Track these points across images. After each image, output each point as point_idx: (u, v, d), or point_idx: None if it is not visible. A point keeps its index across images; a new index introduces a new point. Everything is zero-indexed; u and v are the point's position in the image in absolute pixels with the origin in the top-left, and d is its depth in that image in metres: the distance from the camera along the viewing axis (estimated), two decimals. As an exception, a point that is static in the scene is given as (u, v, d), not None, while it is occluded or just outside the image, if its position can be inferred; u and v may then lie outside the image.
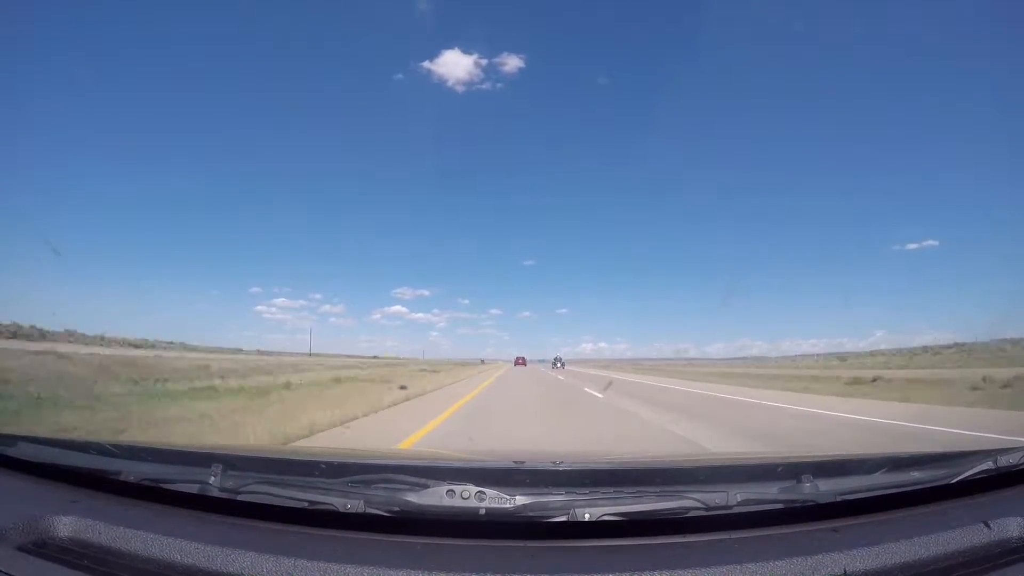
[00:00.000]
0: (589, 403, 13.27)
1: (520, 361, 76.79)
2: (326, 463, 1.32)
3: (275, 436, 6.05)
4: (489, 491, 1.05)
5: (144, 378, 15.54)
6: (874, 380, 18.21)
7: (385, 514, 1.06)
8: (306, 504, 1.09)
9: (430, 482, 1.09)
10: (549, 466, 1.37)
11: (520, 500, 1.05)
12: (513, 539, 1.04)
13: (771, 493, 1.13)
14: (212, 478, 1.15)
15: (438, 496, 1.06)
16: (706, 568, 0.92)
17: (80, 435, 5.25)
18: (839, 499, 1.13)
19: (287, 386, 15.89)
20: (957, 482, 1.22)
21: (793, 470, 1.20)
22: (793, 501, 1.12)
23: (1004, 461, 1.26)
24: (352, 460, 1.51)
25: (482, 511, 1.04)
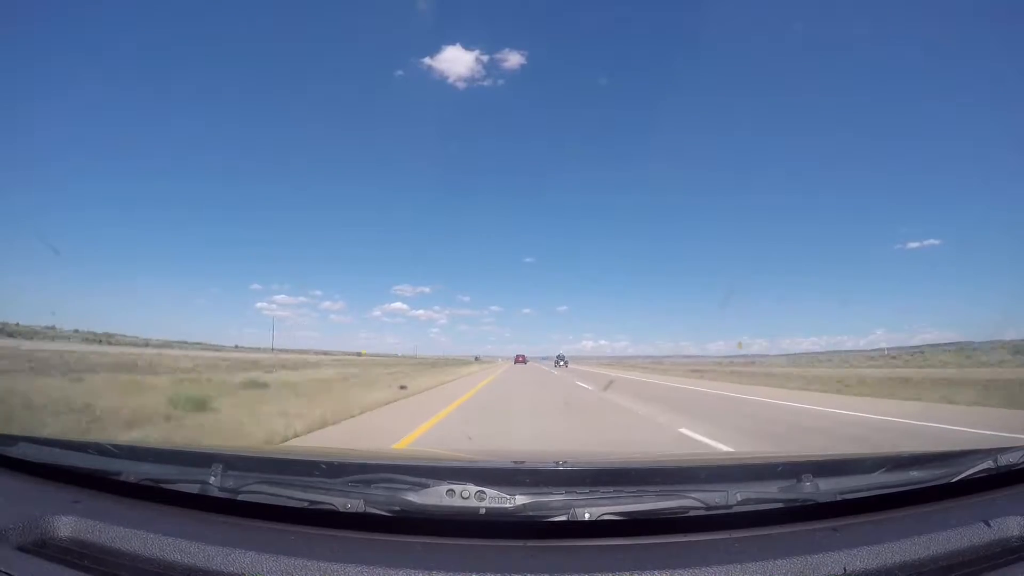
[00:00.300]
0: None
1: (520, 359, 76.61)
2: (326, 463, 1.32)
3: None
4: (489, 491, 1.05)
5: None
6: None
7: (385, 514, 1.06)
8: (306, 504, 1.09)
9: (430, 482, 1.09)
10: (549, 466, 1.37)
11: (520, 500, 1.05)
12: (513, 539, 1.04)
13: (771, 492, 1.13)
14: (212, 478, 1.15)
15: (438, 496, 1.06)
16: (706, 568, 0.92)
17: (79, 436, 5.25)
18: (839, 499, 1.13)
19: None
20: (957, 481, 1.22)
21: (793, 469, 1.20)
22: (793, 501, 1.12)
23: (1004, 460, 1.26)
24: (352, 460, 1.51)
25: (482, 511, 1.04)
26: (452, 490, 1.06)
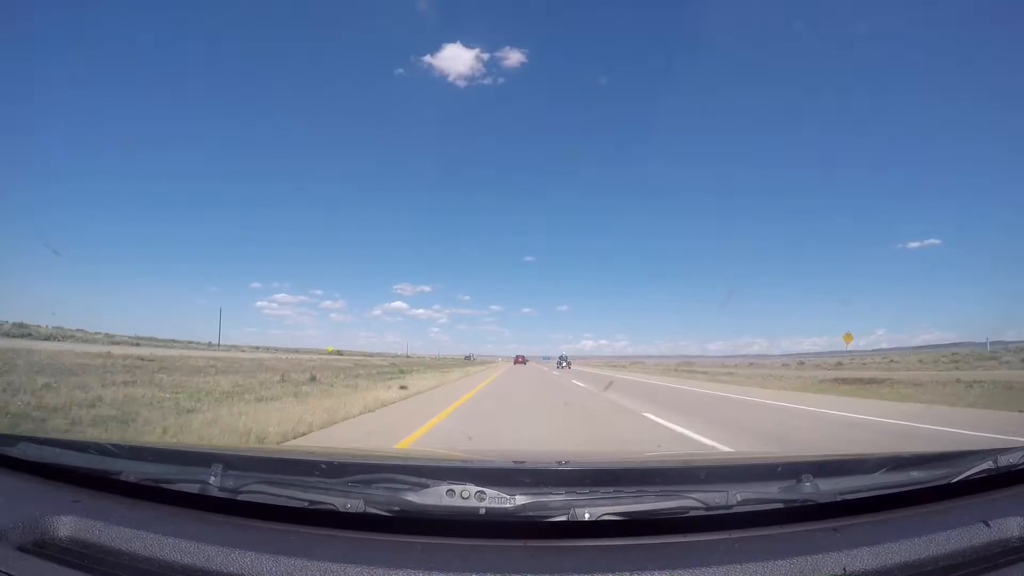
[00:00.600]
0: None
1: (520, 360, 76.38)
2: (326, 463, 1.32)
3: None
4: (489, 491, 1.05)
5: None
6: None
7: (385, 514, 1.06)
8: (306, 504, 1.09)
9: (430, 482, 1.09)
10: (549, 466, 1.37)
11: (520, 500, 1.05)
12: (513, 539, 1.04)
13: (771, 493, 1.13)
14: (212, 478, 1.15)
15: (438, 496, 1.06)
16: (706, 568, 0.92)
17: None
18: (839, 499, 1.13)
19: None
20: (957, 482, 1.22)
21: (793, 470, 1.20)
22: (793, 501, 1.11)
23: (1004, 461, 1.26)
24: (352, 460, 1.51)
25: (482, 511, 1.04)
26: (452, 490, 1.06)
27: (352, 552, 0.97)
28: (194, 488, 1.16)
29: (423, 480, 1.11)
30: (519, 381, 24.00)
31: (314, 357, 54.04)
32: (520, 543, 1.03)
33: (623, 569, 0.92)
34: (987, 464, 1.25)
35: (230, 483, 1.14)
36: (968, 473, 1.23)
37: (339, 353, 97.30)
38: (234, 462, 1.26)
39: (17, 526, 1.06)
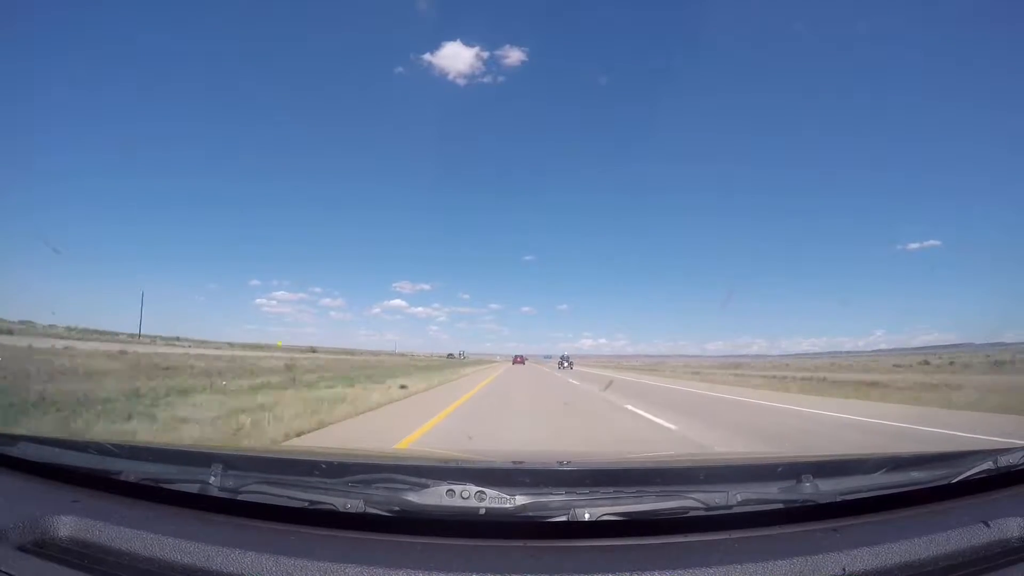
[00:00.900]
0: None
1: (519, 360, 75.99)
2: (326, 463, 1.32)
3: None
4: (489, 491, 1.05)
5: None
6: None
7: (385, 514, 1.06)
8: (306, 504, 1.09)
9: (430, 482, 1.09)
10: (549, 466, 1.37)
11: (520, 500, 1.05)
12: (513, 539, 1.04)
13: (771, 493, 1.13)
14: (212, 478, 1.15)
15: (438, 496, 1.06)
16: (706, 568, 0.92)
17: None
18: (839, 499, 1.13)
19: None
20: (957, 482, 1.23)
21: (793, 470, 1.20)
22: (793, 501, 1.12)
23: (1004, 461, 1.27)
24: (352, 460, 1.50)
25: (482, 511, 1.04)
26: (452, 490, 1.06)
27: (352, 552, 0.97)
28: (194, 488, 1.16)
29: (423, 480, 1.11)
30: (523, 378, 22.93)
31: (266, 355, 42.92)
32: (520, 543, 1.03)
33: (623, 569, 0.92)
34: (987, 464, 1.25)
35: (230, 483, 1.14)
36: (968, 473, 1.24)
37: (313, 351, 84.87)
38: (234, 462, 1.26)
39: (17, 526, 1.06)
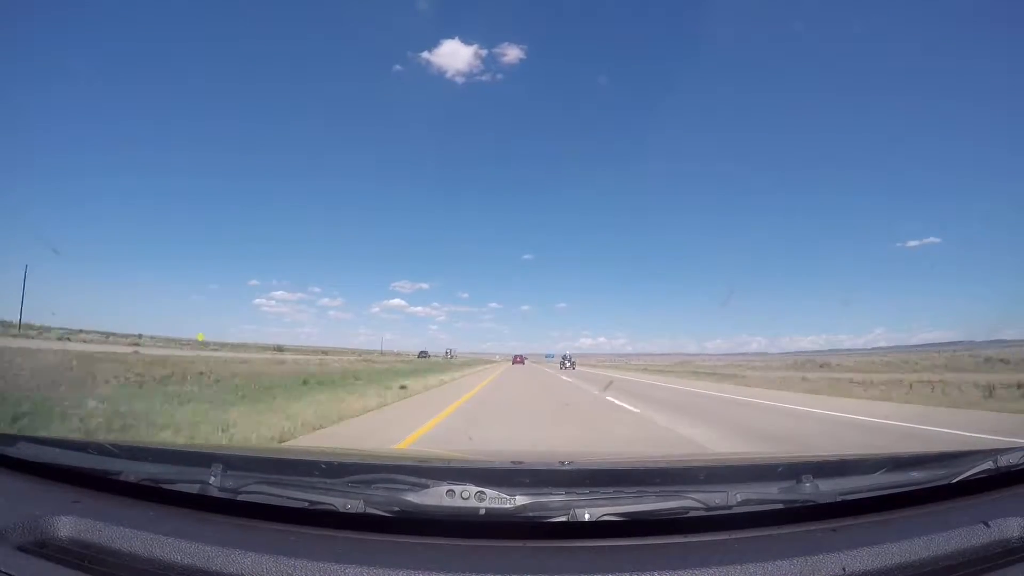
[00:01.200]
0: None
1: (518, 359, 75.47)
2: (326, 463, 1.32)
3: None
4: (489, 491, 1.05)
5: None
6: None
7: (385, 514, 1.06)
8: (306, 504, 1.09)
9: (430, 482, 1.10)
10: (549, 466, 1.37)
11: (520, 500, 1.05)
12: (513, 539, 1.04)
13: (771, 493, 1.13)
14: (212, 478, 1.15)
15: (438, 496, 1.06)
16: (706, 568, 0.92)
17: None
18: (839, 499, 1.13)
19: None
20: (957, 482, 1.23)
21: (793, 470, 1.20)
22: (793, 501, 1.12)
23: (1004, 461, 1.27)
24: (352, 460, 1.51)
25: (482, 511, 1.04)
26: (452, 490, 1.06)
27: (352, 552, 0.97)
28: (194, 488, 1.16)
29: (423, 480, 1.11)
30: (524, 382, 20.04)
31: (203, 355, 32.49)
32: (520, 543, 1.03)
33: (623, 569, 0.92)
34: (987, 464, 1.25)
35: (230, 483, 1.14)
36: (968, 473, 1.24)
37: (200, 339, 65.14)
38: (234, 462, 1.26)
39: (17, 526, 1.06)
